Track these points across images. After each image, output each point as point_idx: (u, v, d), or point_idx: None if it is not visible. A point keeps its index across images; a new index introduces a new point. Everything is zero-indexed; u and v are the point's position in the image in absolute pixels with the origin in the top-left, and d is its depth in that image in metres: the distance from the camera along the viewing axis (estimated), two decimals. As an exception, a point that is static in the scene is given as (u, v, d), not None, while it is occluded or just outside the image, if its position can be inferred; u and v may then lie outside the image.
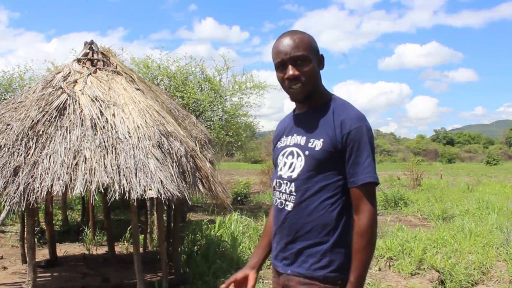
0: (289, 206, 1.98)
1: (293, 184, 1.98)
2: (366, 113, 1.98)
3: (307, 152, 1.95)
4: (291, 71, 1.95)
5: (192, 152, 5.47)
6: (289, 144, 2.05)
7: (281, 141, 2.13)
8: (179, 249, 6.34)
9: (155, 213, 6.92)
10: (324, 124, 1.94)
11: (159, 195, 4.58)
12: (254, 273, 2.17)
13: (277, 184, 2.06)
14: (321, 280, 1.91)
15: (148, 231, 7.89)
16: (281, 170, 2.05)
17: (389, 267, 6.62)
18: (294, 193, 1.97)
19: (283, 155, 2.06)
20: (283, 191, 2.02)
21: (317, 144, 1.92)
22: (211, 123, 14.15)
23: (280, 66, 1.98)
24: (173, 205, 5.03)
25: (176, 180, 4.87)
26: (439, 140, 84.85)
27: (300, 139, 2.00)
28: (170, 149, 5.15)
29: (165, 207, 6.95)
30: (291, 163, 2.00)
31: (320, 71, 2.05)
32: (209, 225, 8.08)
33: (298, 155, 1.98)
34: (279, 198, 2.04)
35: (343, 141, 1.88)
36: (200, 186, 5.38)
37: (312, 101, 2.02)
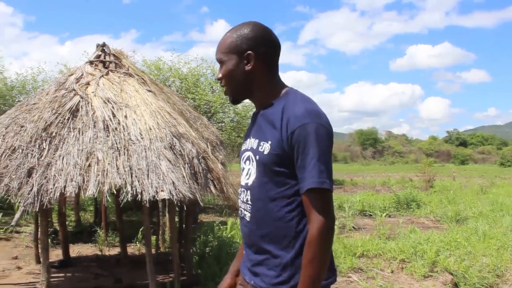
0: (247, 216, 1.86)
1: (248, 192, 1.84)
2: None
3: (257, 157, 1.79)
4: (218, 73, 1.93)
5: (203, 154, 5.48)
6: (247, 148, 1.90)
7: (244, 143, 1.98)
8: (191, 250, 6.35)
9: (167, 214, 6.93)
10: (273, 125, 1.76)
11: (171, 197, 4.59)
12: (237, 280, 2.09)
13: (239, 192, 1.94)
14: None
15: (160, 232, 7.92)
16: (241, 176, 1.92)
17: (401, 269, 6.57)
18: (250, 202, 1.84)
19: (243, 160, 1.92)
20: (241, 199, 1.91)
21: (266, 147, 1.75)
22: (223, 124, 14.19)
23: None
24: (185, 207, 5.04)
25: (188, 181, 4.88)
26: (451, 141, 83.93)
27: (253, 142, 1.85)
28: (182, 150, 5.16)
29: (177, 208, 6.97)
30: (248, 169, 1.86)
31: (265, 66, 1.85)
32: (221, 227, 8.09)
33: (252, 161, 1.83)
34: (240, 207, 1.93)
35: (289, 142, 1.69)
36: (212, 188, 5.38)
37: (260, 100, 1.89)
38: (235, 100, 1.95)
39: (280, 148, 1.72)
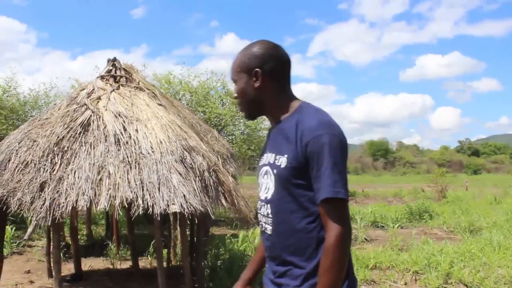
0: (269, 230, 1.88)
1: (269, 206, 1.87)
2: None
3: (275, 171, 1.82)
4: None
5: (214, 167, 5.48)
6: (264, 163, 1.93)
7: (261, 159, 2.02)
8: (203, 263, 6.33)
9: (178, 227, 6.93)
10: (288, 139, 1.80)
11: (182, 210, 4.59)
12: None
13: (258, 207, 1.97)
14: None
15: (172, 245, 7.91)
16: (260, 191, 1.96)
17: (415, 281, 6.49)
18: (271, 216, 1.87)
19: (260, 174, 1.96)
20: (262, 213, 1.93)
21: (282, 161, 1.79)
22: (233, 137, 14.22)
23: None
24: (196, 220, 5.03)
25: (199, 194, 4.89)
26: (463, 151, 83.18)
27: (271, 157, 1.88)
28: (193, 163, 5.17)
29: (188, 221, 6.96)
30: (266, 184, 1.89)
31: (274, 82, 1.90)
32: (232, 240, 8.06)
33: (270, 175, 1.86)
34: (261, 221, 1.95)
35: (304, 154, 1.72)
36: (223, 200, 5.38)
37: (274, 115, 1.94)
38: (250, 116, 2.03)
39: (296, 161, 1.75)
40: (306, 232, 1.78)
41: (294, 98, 1.95)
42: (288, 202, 1.80)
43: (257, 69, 1.88)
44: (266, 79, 1.89)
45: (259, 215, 1.98)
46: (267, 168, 1.89)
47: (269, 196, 1.87)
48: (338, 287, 1.70)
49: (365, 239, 10.03)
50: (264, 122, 14.51)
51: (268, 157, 1.90)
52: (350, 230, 1.72)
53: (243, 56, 1.93)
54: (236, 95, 1.98)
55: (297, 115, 1.83)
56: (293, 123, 1.80)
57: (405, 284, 6.41)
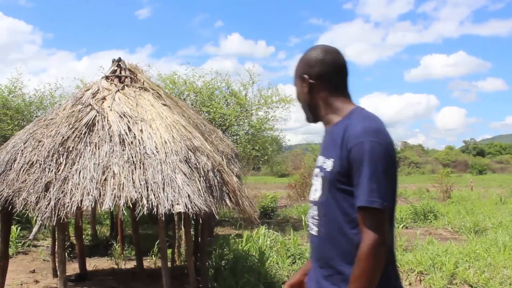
0: (314, 231, 1.90)
1: (316, 207, 1.90)
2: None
3: (322, 174, 1.85)
4: None
5: (219, 167, 5.49)
6: (317, 164, 1.95)
7: (316, 160, 2.04)
8: (207, 263, 6.34)
9: (182, 227, 6.94)
10: (335, 143, 1.80)
11: (187, 210, 4.60)
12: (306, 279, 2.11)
13: (308, 207, 2.01)
14: None
15: (176, 245, 7.92)
16: (310, 192, 1.98)
17: (419, 282, 6.48)
18: (317, 217, 1.89)
19: (313, 176, 1.97)
20: (310, 214, 1.96)
21: (329, 165, 1.80)
22: (238, 137, 14.21)
23: None
24: (200, 220, 5.04)
25: (203, 194, 4.89)
26: (468, 151, 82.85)
27: (321, 160, 1.90)
28: (197, 163, 5.18)
29: (192, 221, 6.97)
30: (315, 186, 1.92)
31: (323, 88, 1.93)
32: (237, 240, 8.06)
33: (319, 177, 1.88)
34: (308, 221, 1.99)
35: (348, 160, 1.73)
36: (227, 201, 5.38)
37: (325, 119, 1.95)
38: (309, 120, 2.05)
39: (341, 166, 1.76)
40: (348, 237, 1.77)
41: (348, 102, 1.94)
42: (333, 206, 1.80)
43: (305, 75, 1.93)
44: (314, 84, 1.93)
45: (308, 215, 2.01)
46: (318, 170, 1.91)
47: (316, 198, 1.90)
48: None
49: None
50: (268, 123, 14.51)
51: (319, 159, 1.92)
52: (384, 240, 1.68)
53: (297, 62, 2.00)
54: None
55: (347, 120, 1.82)
56: (342, 128, 1.80)
57: (410, 284, 6.40)
